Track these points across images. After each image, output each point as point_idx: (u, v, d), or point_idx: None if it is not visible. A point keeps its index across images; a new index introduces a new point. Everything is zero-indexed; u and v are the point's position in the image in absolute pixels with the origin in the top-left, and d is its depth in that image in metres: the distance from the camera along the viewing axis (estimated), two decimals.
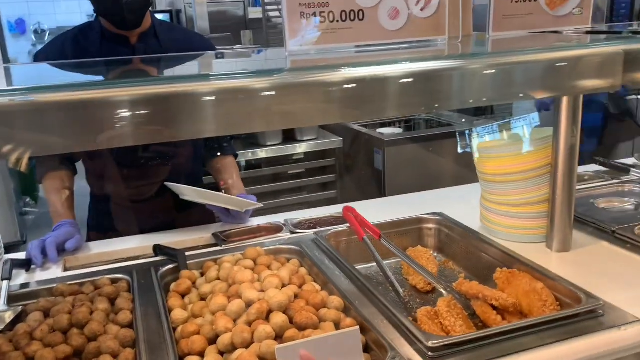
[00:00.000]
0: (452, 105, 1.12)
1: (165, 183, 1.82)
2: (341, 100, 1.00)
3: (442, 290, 1.41)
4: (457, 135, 3.37)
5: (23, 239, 4.92)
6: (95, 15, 1.80)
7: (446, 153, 3.32)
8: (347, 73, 0.99)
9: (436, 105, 1.10)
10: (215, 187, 1.98)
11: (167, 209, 1.92)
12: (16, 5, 8.52)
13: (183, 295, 1.37)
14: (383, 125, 3.80)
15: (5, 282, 1.39)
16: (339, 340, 0.89)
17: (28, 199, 5.76)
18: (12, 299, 1.37)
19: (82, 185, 2.00)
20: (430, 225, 1.73)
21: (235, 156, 2.09)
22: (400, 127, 3.84)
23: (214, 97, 0.89)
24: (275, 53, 1.65)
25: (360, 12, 1.21)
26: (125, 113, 0.83)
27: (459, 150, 3.14)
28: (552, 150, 1.47)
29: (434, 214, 1.75)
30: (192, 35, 2.11)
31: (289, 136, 3.51)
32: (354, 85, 0.99)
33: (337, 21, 1.19)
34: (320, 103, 0.99)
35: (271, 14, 4.57)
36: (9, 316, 1.31)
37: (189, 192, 1.77)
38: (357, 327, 0.93)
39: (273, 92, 0.94)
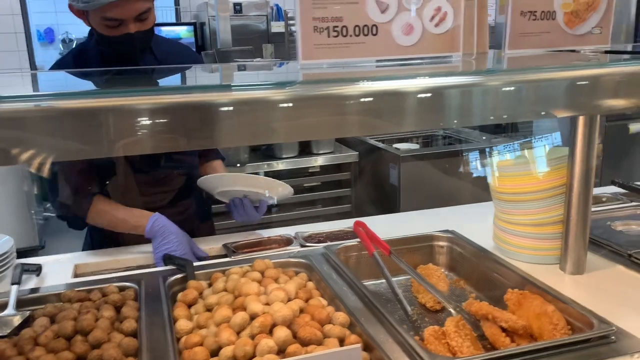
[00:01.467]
0: (466, 122, 1.10)
1: (199, 180, 1.85)
2: (357, 114, 0.99)
3: (451, 309, 1.38)
4: (464, 154, 3.36)
5: (42, 244, 4.98)
6: (89, 36, 1.80)
7: (462, 170, 3.29)
8: (363, 86, 0.99)
9: (455, 121, 1.09)
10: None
11: (180, 219, 1.93)
12: (45, 15, 8.72)
13: (189, 305, 1.36)
14: (400, 140, 3.78)
15: (14, 287, 1.40)
16: (340, 357, 0.87)
17: (49, 205, 5.84)
18: (20, 304, 1.38)
19: None
20: (442, 243, 1.71)
21: (223, 159, 2.14)
22: (417, 143, 3.82)
23: (231, 108, 0.89)
24: (294, 66, 1.66)
25: (374, 27, 1.20)
26: (145, 121, 0.83)
27: (460, 169, 3.13)
28: (567, 171, 1.45)
29: (446, 231, 1.73)
30: (182, 48, 2.15)
31: (306, 149, 3.52)
32: (369, 99, 0.99)
33: (351, 36, 1.19)
34: (335, 116, 0.99)
35: (293, 28, 4.61)
36: (16, 320, 1.32)
37: (224, 181, 1.83)
38: (359, 345, 0.91)
39: (289, 104, 0.93)
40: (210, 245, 1.78)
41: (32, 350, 1.12)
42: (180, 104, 0.86)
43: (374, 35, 1.21)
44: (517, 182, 1.54)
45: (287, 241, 1.80)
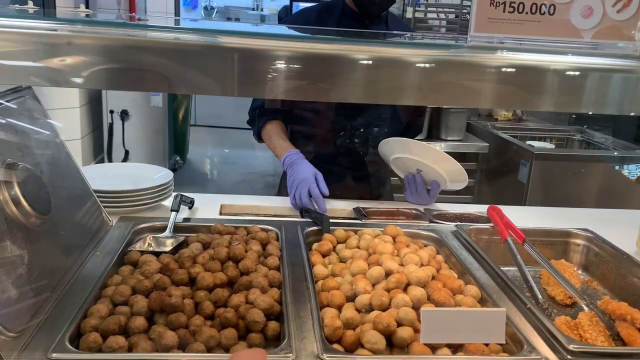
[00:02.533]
0: (609, 110, 1.06)
1: (380, 144, 1.91)
2: (502, 85, 0.99)
3: (584, 306, 1.35)
4: (603, 160, 3.16)
5: None
6: None
7: (596, 176, 3.12)
8: (512, 57, 0.99)
9: (594, 108, 1.06)
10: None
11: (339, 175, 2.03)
12: None
13: (324, 256, 1.45)
14: (533, 138, 3.65)
15: (173, 213, 1.56)
16: (484, 317, 0.90)
17: (178, 158, 6.32)
18: (175, 229, 1.54)
19: None
20: (579, 241, 1.65)
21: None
22: (551, 143, 3.66)
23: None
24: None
25: (552, 7, 1.19)
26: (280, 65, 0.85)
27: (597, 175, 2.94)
28: None
29: (584, 229, 1.67)
30: (409, 29, 2.36)
31: (434, 133, 3.49)
32: (512, 70, 0.99)
33: (527, 13, 1.18)
34: (483, 84, 0.99)
35: (418, 15, 4.43)
36: (171, 243, 1.47)
37: (399, 146, 1.84)
38: (504, 310, 0.93)
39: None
40: (342, 207, 1.86)
41: (192, 266, 1.25)
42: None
43: (551, 15, 1.19)
44: None
45: (415, 215, 1.83)
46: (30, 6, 1.47)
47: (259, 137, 2.05)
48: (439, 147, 3.46)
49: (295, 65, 0.86)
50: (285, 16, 7.18)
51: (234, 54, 0.83)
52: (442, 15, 4.27)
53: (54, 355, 0.94)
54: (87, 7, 4.66)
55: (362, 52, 0.90)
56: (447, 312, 0.91)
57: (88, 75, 0.81)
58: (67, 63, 0.79)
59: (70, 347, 0.97)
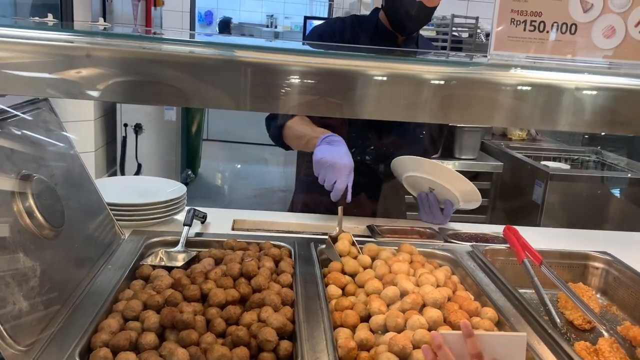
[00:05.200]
0: (630, 130, 1.03)
1: (393, 161, 1.85)
2: (521, 103, 0.97)
3: (603, 331, 1.32)
4: (620, 181, 3.11)
5: None
6: (375, 9, 1.95)
7: (612, 198, 3.07)
8: (531, 76, 0.97)
9: (613, 128, 1.03)
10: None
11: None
12: None
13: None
14: (547, 158, 3.61)
15: (186, 228, 1.55)
16: (505, 341, 0.87)
17: (190, 172, 6.34)
18: (188, 244, 1.53)
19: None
20: (597, 264, 1.62)
21: None
22: (566, 164, 3.63)
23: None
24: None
25: (573, 26, 1.18)
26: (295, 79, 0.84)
27: (615, 196, 2.89)
28: None
29: (603, 252, 1.64)
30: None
31: (448, 151, 3.47)
32: (532, 88, 0.97)
33: (547, 32, 1.17)
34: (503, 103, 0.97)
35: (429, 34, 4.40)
36: (183, 258, 1.46)
37: (411, 164, 1.79)
38: (525, 334, 0.91)
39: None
40: (354, 224, 1.84)
41: (204, 282, 1.24)
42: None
43: (572, 34, 1.18)
44: None
45: (430, 234, 1.80)
46: (50, 19, 1.49)
47: (279, 136, 1.86)
48: (452, 165, 3.44)
49: (313, 81, 0.85)
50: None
51: (250, 68, 0.82)
52: (455, 34, 4.27)
53: None
54: (104, 21, 4.72)
55: (380, 69, 0.89)
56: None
57: (104, 88, 0.80)
58: (84, 75, 0.79)
59: None
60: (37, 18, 1.44)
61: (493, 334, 0.91)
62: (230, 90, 0.83)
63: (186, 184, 6.15)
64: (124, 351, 0.99)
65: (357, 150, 1.96)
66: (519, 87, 0.96)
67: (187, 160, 6.29)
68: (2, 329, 0.89)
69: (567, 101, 0.98)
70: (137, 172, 5.12)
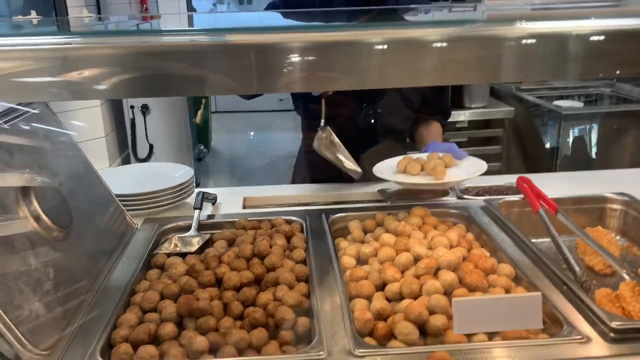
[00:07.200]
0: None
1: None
2: (524, 56, 0.93)
3: (624, 274, 1.29)
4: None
5: (197, 181, 5.44)
6: None
7: (632, 134, 2.99)
8: (531, 27, 0.92)
9: (617, 72, 0.99)
10: None
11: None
12: None
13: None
14: (560, 97, 3.52)
15: (197, 212, 1.55)
16: (519, 303, 0.86)
17: (202, 147, 6.35)
18: (200, 227, 1.53)
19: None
20: (615, 206, 1.59)
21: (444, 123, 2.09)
22: (580, 101, 3.53)
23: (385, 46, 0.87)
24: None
25: None
26: (295, 58, 0.83)
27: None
28: None
29: (620, 194, 1.60)
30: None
31: (456, 102, 3.40)
32: (534, 40, 0.92)
33: None
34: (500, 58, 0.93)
35: None
36: (197, 242, 1.47)
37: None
38: (539, 294, 0.89)
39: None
40: (366, 189, 1.82)
41: (217, 266, 1.24)
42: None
43: None
44: None
45: (443, 192, 1.78)
46: (34, 16, 1.46)
47: None
48: (463, 116, 3.38)
49: (309, 57, 0.82)
50: None
51: (247, 51, 0.80)
52: None
53: None
54: (98, 6, 4.65)
55: (376, 36, 0.85)
56: (479, 301, 0.87)
57: (109, 86, 0.79)
58: (85, 76, 0.78)
59: None
60: (20, 17, 1.42)
61: (507, 296, 0.90)
62: (231, 75, 0.82)
63: (199, 160, 6.17)
64: (143, 344, 1.00)
65: (353, 115, 1.91)
66: (521, 40, 0.91)
67: (198, 136, 6.28)
68: (20, 336, 0.91)
69: (574, 49, 0.93)
70: (150, 153, 5.14)
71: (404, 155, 1.75)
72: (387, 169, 1.73)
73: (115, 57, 0.78)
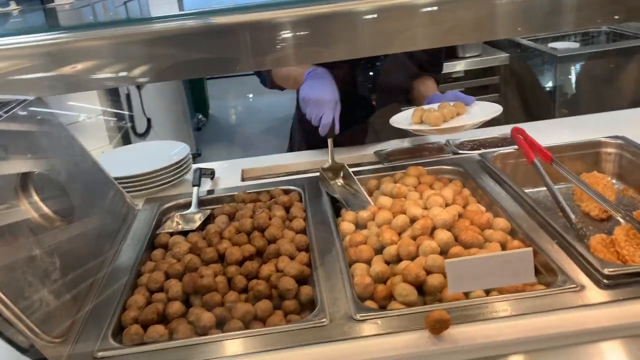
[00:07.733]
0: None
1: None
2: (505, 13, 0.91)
3: (619, 218, 1.31)
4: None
5: (198, 151, 5.45)
6: None
7: (630, 71, 2.95)
8: None
9: (616, 17, 0.97)
10: None
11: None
12: None
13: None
14: (555, 39, 3.46)
15: (195, 188, 1.57)
16: (510, 259, 0.88)
17: (200, 116, 6.32)
18: (200, 203, 1.55)
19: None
20: (610, 150, 1.60)
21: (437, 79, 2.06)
22: (576, 41, 3.47)
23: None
24: None
25: None
26: (287, 34, 0.84)
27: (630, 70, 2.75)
28: None
29: (614, 137, 1.61)
30: None
31: (450, 53, 3.36)
32: None
33: None
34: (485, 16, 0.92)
35: None
36: (199, 218, 1.49)
37: None
38: (530, 249, 0.91)
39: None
40: (362, 152, 1.83)
41: (219, 242, 1.27)
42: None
43: None
44: None
45: (438, 149, 1.79)
46: (13, 7, 1.44)
47: (271, 83, 1.85)
48: (458, 66, 3.34)
49: (301, 31, 0.83)
50: None
51: (238, 30, 0.82)
52: None
53: (100, 354, 0.98)
54: None
55: (366, 4, 0.85)
56: (471, 260, 0.90)
57: (104, 76, 0.81)
58: (79, 69, 0.80)
59: (114, 342, 1.01)
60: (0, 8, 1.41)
61: (498, 254, 0.93)
62: (227, 55, 0.83)
63: (199, 130, 6.16)
64: (153, 324, 1.04)
65: (348, 79, 1.90)
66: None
67: (195, 105, 6.25)
68: (33, 326, 0.94)
69: None
70: (148, 127, 5.13)
71: (415, 108, 1.73)
72: (404, 120, 1.71)
73: (107, 47, 0.79)
